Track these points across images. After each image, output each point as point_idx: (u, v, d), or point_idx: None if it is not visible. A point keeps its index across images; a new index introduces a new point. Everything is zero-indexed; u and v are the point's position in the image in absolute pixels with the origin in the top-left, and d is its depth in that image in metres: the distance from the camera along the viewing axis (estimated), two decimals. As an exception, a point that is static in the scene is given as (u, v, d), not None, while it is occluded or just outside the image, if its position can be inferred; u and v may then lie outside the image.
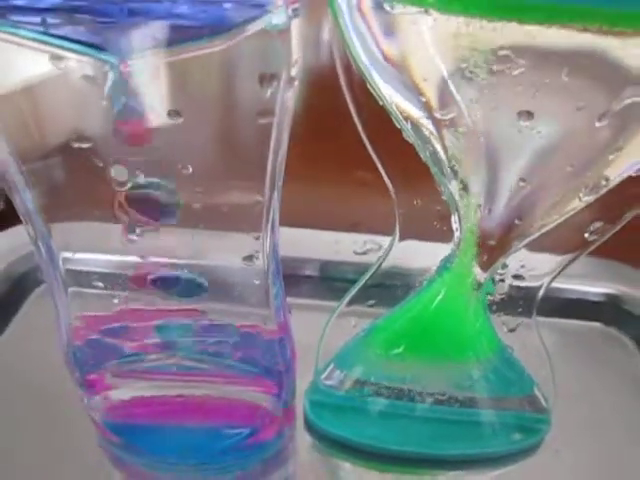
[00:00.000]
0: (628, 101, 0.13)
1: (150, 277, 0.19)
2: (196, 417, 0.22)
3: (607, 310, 0.31)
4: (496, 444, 0.23)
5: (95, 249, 0.19)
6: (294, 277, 0.31)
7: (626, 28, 0.11)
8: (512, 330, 0.22)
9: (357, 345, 0.24)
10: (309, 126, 0.19)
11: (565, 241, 0.19)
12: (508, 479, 0.23)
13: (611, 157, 0.14)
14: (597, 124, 0.13)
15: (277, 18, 0.13)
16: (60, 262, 0.18)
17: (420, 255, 0.22)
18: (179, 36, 0.12)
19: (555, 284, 0.23)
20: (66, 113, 0.15)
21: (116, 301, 0.19)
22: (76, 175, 0.16)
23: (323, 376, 0.24)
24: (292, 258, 0.31)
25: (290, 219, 0.21)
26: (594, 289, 0.31)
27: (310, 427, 0.24)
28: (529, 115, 0.13)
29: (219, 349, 0.20)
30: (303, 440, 0.24)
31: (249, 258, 0.18)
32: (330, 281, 0.32)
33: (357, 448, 0.23)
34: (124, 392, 0.22)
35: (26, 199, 0.17)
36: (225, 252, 0.18)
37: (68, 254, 0.18)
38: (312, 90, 0.18)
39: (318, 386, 0.24)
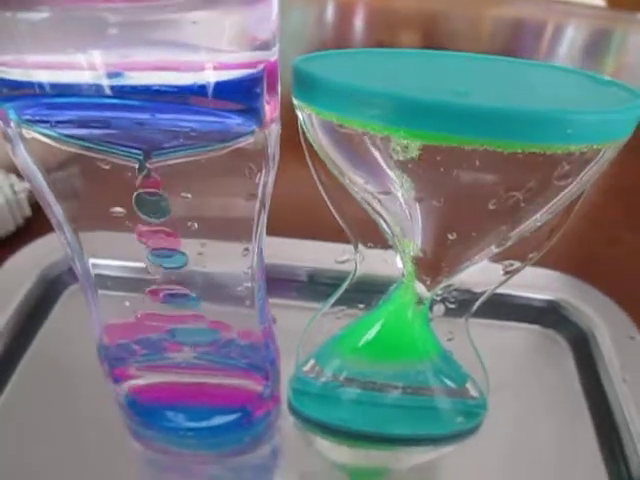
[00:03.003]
0: (511, 193, 0.17)
1: (163, 291, 0.21)
2: (200, 400, 0.26)
3: (547, 314, 0.34)
4: (443, 426, 0.27)
5: (119, 256, 0.20)
6: (284, 282, 0.35)
7: (504, 149, 0.16)
8: (450, 340, 0.26)
9: (332, 345, 0.28)
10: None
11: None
12: (453, 454, 0.27)
13: (503, 227, 0.19)
14: (490, 207, 0.18)
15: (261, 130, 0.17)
16: (90, 267, 0.20)
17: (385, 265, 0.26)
18: (184, 142, 0.16)
19: (503, 291, 0.27)
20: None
21: (138, 304, 0.22)
22: (100, 189, 0.18)
23: (305, 369, 0.28)
24: (282, 265, 0.35)
25: (279, 225, 0.24)
26: (537, 296, 0.34)
27: (293, 410, 0.28)
28: (440, 201, 0.18)
29: (218, 350, 0.24)
30: (287, 420, 0.28)
31: (239, 279, 0.21)
32: (314, 286, 0.35)
33: (331, 428, 0.27)
34: (143, 381, 0.25)
35: (56, 211, 0.18)
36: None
37: (97, 260, 0.20)
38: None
39: (299, 377, 0.28)
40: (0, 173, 0.38)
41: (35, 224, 0.40)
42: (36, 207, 0.40)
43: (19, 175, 0.39)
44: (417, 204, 0.19)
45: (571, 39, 1.04)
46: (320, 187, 0.23)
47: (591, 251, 0.42)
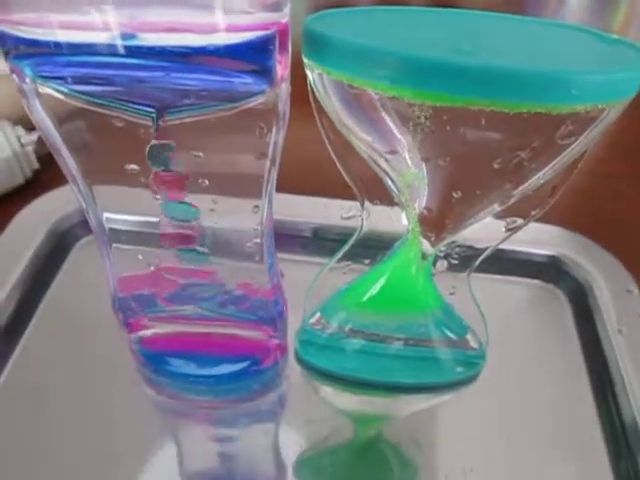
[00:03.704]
0: (515, 152, 0.18)
1: (174, 239, 0.22)
2: (211, 350, 0.27)
3: (547, 269, 0.34)
4: (443, 375, 0.28)
5: (131, 211, 0.21)
6: (291, 237, 0.35)
7: (509, 109, 0.16)
8: (452, 294, 0.27)
9: (337, 298, 0.29)
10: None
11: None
12: (452, 402, 0.28)
13: (507, 186, 0.20)
14: (495, 166, 0.18)
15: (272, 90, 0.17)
16: (104, 221, 0.21)
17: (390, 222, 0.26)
18: (197, 101, 0.16)
19: (505, 246, 0.27)
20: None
21: (151, 258, 0.22)
22: (115, 146, 0.18)
23: (311, 321, 0.29)
24: (289, 221, 0.35)
25: (286, 182, 0.24)
26: (538, 251, 0.35)
27: (299, 360, 0.29)
28: (446, 160, 0.18)
29: (229, 303, 0.24)
30: (294, 370, 0.29)
31: (249, 235, 0.22)
32: (320, 241, 0.35)
33: (335, 376, 0.28)
34: (156, 330, 0.26)
35: (71, 166, 0.19)
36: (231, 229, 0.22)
37: (110, 215, 0.21)
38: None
39: (306, 329, 0.29)
40: (7, 126, 0.38)
41: (44, 176, 0.40)
42: (44, 160, 0.40)
43: (26, 127, 0.39)
44: (423, 163, 0.19)
45: (583, -13, 1.01)
46: (328, 144, 0.23)
47: (595, 206, 0.42)
